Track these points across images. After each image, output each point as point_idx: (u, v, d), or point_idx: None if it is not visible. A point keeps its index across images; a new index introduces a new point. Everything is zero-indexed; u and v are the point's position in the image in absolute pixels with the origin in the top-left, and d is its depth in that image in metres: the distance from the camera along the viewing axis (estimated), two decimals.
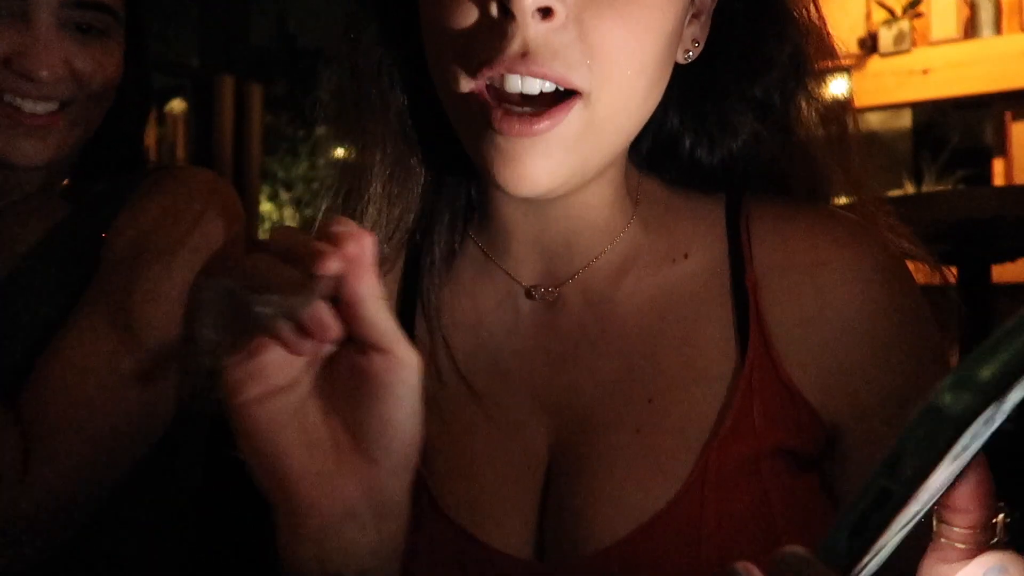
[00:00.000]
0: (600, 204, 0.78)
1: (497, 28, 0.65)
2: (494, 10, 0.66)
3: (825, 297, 0.75)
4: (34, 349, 1.00)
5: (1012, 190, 2.67)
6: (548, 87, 0.67)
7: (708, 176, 0.81)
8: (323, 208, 0.80)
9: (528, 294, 0.80)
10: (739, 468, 0.71)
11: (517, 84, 0.66)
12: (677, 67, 0.76)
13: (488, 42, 0.66)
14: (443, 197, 0.82)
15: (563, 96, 0.68)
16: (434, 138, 0.78)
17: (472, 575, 0.73)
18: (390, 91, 0.78)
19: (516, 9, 0.63)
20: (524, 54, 0.65)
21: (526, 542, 0.73)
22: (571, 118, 0.67)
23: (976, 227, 1.95)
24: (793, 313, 0.75)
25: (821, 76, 0.79)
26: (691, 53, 0.76)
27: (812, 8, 0.79)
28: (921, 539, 0.50)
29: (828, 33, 0.80)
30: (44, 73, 1.03)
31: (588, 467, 0.73)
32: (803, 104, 0.79)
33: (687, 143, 0.81)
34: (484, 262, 0.82)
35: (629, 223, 0.80)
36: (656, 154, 0.83)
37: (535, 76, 0.66)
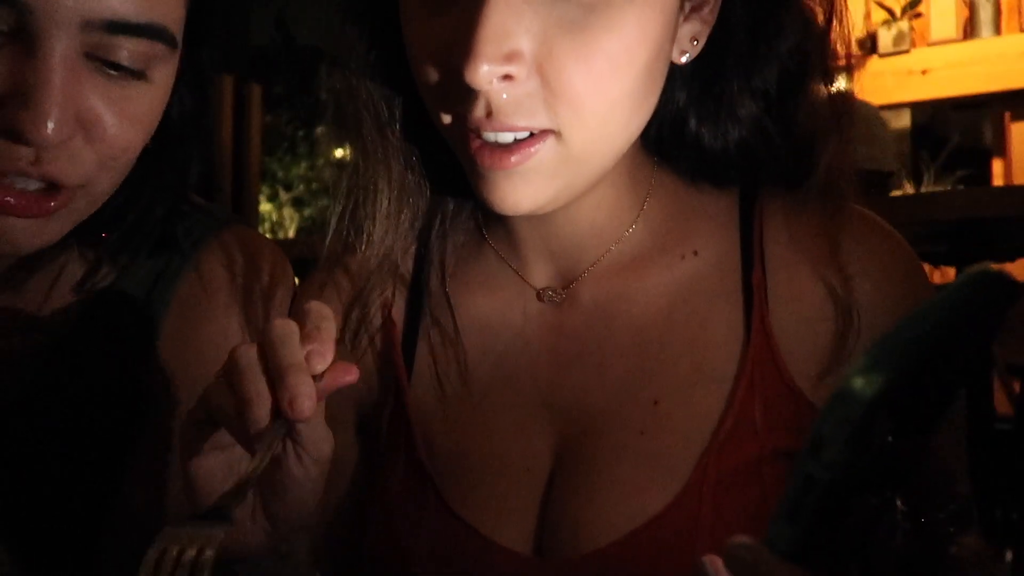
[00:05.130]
0: (606, 205, 0.78)
1: (463, 91, 0.66)
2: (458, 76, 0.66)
3: (836, 293, 0.74)
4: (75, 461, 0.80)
5: (1011, 190, 2.67)
6: (521, 134, 0.68)
7: (722, 168, 0.80)
8: (332, 226, 0.80)
9: (539, 296, 0.80)
10: (739, 471, 0.71)
11: (491, 136, 0.68)
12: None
13: (457, 101, 0.68)
14: (454, 201, 0.83)
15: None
16: (441, 147, 0.78)
17: (473, 569, 0.73)
18: (389, 118, 0.79)
19: (473, 85, 0.64)
20: (489, 113, 0.66)
21: (527, 541, 0.74)
22: (544, 153, 0.68)
23: (975, 227, 1.95)
24: (801, 310, 0.75)
25: (829, 73, 0.78)
26: (688, 55, 0.74)
27: (820, 7, 0.78)
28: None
29: (841, 32, 0.78)
30: (46, 130, 0.66)
31: (590, 469, 0.74)
32: (808, 99, 0.78)
33: (692, 129, 0.80)
34: (497, 264, 0.82)
35: (637, 218, 0.79)
36: (665, 137, 0.81)
37: (502, 131, 0.67)
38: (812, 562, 0.43)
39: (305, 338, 0.62)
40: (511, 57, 0.64)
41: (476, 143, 0.68)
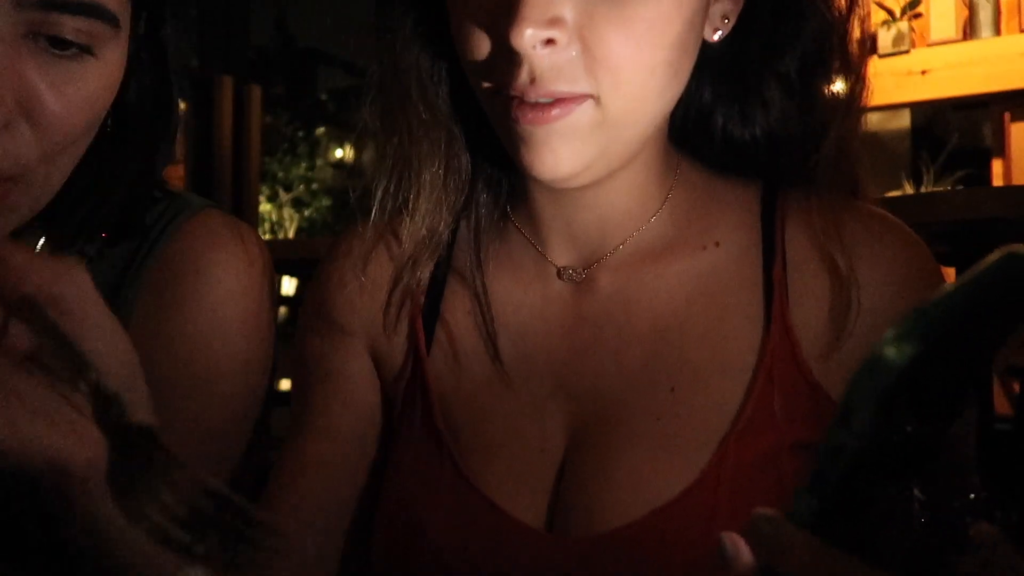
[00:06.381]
0: (632, 189, 0.79)
1: (507, 58, 0.69)
2: (503, 42, 0.69)
3: (859, 290, 0.75)
4: None
5: (1011, 191, 2.67)
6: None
7: (745, 159, 0.81)
8: (377, 199, 0.82)
9: (559, 274, 0.81)
10: (757, 461, 0.72)
11: (531, 100, 0.70)
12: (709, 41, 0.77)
13: (501, 68, 0.70)
14: (483, 179, 0.84)
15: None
16: (475, 124, 0.80)
17: (487, 539, 0.74)
18: (432, 85, 0.81)
19: (518, 48, 0.67)
20: (532, 80, 0.69)
21: (540, 518, 0.75)
22: (582, 112, 0.70)
23: (975, 228, 1.95)
24: (821, 305, 0.76)
25: (849, 58, 0.79)
26: (720, 32, 0.76)
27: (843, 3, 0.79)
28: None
29: (860, 15, 0.79)
30: None
31: (605, 453, 0.74)
32: (829, 86, 0.79)
33: (719, 117, 0.81)
34: (520, 244, 0.83)
35: (662, 207, 0.80)
36: (689, 129, 0.83)
37: (544, 96, 0.69)
38: (834, 537, 0.43)
39: None
40: (554, 22, 0.67)
41: (516, 102, 0.70)
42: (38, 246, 0.81)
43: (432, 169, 0.81)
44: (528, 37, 0.66)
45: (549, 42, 0.68)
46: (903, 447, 0.42)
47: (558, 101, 0.70)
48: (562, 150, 0.71)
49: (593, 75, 0.69)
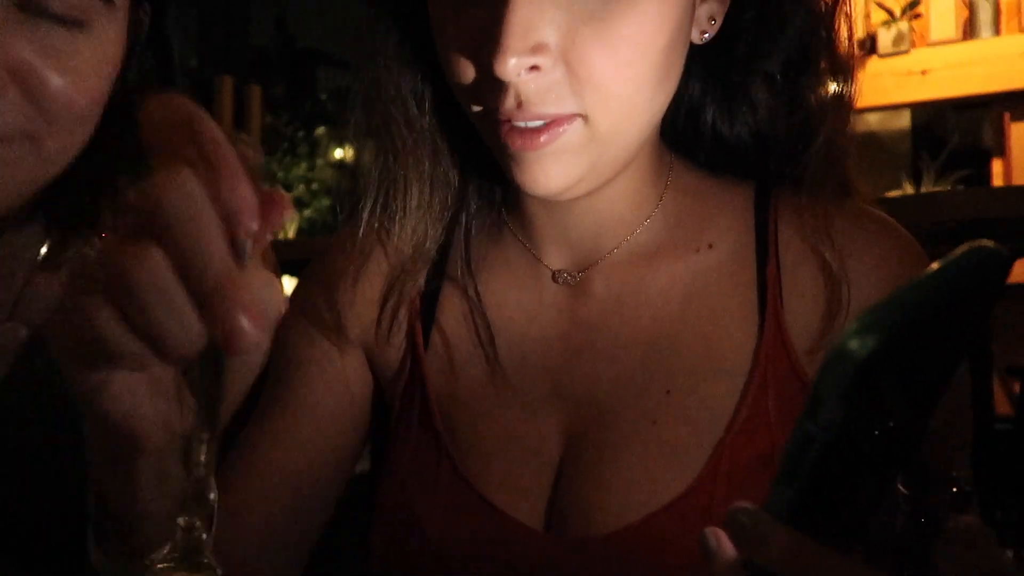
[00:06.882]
0: (626, 194, 0.79)
1: (493, 84, 0.69)
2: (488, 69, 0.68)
3: (851, 290, 0.75)
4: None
5: (1011, 191, 2.67)
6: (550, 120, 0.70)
7: (738, 158, 0.81)
8: (364, 219, 0.82)
9: (554, 278, 0.81)
10: (753, 464, 0.72)
11: (520, 124, 0.70)
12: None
13: (488, 93, 0.70)
14: (475, 187, 0.85)
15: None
16: (464, 134, 0.80)
17: (486, 539, 0.75)
18: (418, 113, 0.81)
19: (502, 78, 0.67)
20: (519, 104, 0.69)
21: (539, 519, 0.75)
22: (571, 133, 0.70)
23: (975, 227, 1.95)
24: (816, 306, 0.76)
25: (835, 56, 0.79)
26: (707, 34, 0.76)
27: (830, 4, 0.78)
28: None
29: (845, 8, 0.79)
30: None
31: (601, 456, 0.74)
32: (816, 84, 0.79)
33: (708, 116, 0.82)
34: (516, 247, 0.83)
35: (655, 211, 0.81)
36: (680, 128, 0.83)
37: (532, 119, 0.69)
38: (810, 527, 0.43)
39: (213, 187, 0.42)
40: (537, 49, 0.67)
41: (505, 127, 0.70)
42: (41, 252, 0.82)
43: (418, 187, 0.81)
44: (512, 66, 0.66)
45: (533, 68, 0.67)
46: (880, 439, 0.42)
47: (547, 124, 0.69)
48: (553, 169, 0.71)
49: (580, 95, 0.69)
